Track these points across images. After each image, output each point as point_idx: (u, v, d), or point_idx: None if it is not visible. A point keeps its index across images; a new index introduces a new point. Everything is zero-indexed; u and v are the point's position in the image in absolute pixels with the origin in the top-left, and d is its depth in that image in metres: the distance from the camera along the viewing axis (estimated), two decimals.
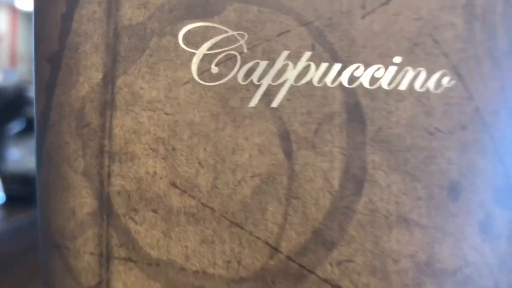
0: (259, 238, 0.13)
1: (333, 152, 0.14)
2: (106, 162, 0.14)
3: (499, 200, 0.15)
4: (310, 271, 0.13)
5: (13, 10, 3.91)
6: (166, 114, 0.14)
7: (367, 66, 0.14)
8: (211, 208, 0.14)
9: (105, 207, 0.14)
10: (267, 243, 0.13)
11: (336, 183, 0.14)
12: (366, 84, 0.14)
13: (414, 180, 0.14)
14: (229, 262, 0.13)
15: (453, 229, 0.14)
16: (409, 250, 0.14)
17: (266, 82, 0.14)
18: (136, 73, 0.14)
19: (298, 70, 0.14)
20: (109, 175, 0.14)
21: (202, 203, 0.14)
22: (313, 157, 0.14)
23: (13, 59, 3.84)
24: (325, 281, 0.13)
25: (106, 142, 0.14)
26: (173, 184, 0.14)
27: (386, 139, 0.14)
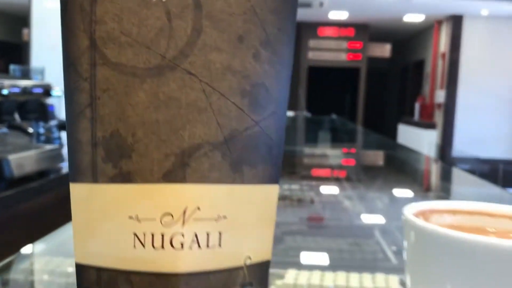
0: (159, 53, 0.33)
1: (188, 19, 0.34)
2: (93, 25, 0.33)
3: (264, 47, 0.35)
4: (178, 66, 0.33)
5: None
6: (118, 4, 0.33)
7: None
8: (138, 41, 0.33)
9: (93, 44, 0.34)
10: (161, 55, 0.33)
11: (189, 31, 0.34)
12: None
13: (224, 32, 0.34)
14: (144, 62, 0.33)
15: (239, 56, 0.35)
16: (226, 64, 0.34)
17: None
18: None
19: None
20: (95, 31, 0.33)
21: (134, 39, 0.33)
22: (180, 21, 0.34)
23: None
24: (184, 70, 0.33)
25: (93, 17, 0.33)
26: (122, 32, 0.33)
27: (212, 15, 0.34)
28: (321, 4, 8.20)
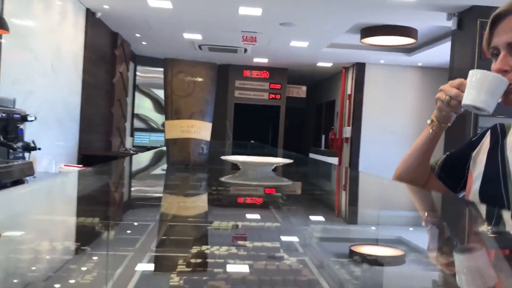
0: (187, 92, 1.56)
1: (191, 86, 1.56)
2: (171, 86, 1.57)
3: (208, 92, 1.57)
4: (189, 95, 1.56)
5: None
6: (175, 83, 1.56)
7: None
8: (180, 90, 1.57)
9: (171, 91, 1.57)
10: (187, 92, 1.56)
11: (192, 88, 1.56)
12: None
13: (201, 90, 1.56)
14: (183, 94, 1.56)
15: (204, 95, 1.56)
16: (202, 96, 1.56)
17: None
18: None
19: None
20: (171, 87, 1.57)
21: (180, 89, 1.57)
22: (190, 86, 1.56)
23: None
24: (192, 96, 1.56)
25: (171, 84, 1.57)
26: (178, 88, 1.57)
27: (198, 86, 1.56)
28: (246, 51, 9.66)
